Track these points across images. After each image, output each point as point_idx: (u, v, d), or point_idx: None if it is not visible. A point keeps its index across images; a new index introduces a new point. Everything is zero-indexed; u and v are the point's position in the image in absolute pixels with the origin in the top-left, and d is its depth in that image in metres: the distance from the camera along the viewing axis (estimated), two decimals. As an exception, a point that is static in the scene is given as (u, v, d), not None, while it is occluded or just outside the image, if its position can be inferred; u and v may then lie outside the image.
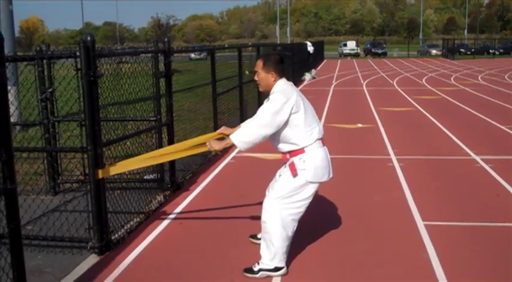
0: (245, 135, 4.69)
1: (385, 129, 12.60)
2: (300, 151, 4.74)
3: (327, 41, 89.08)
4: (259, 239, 5.38)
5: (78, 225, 5.63)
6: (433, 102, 18.30)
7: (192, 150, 5.27)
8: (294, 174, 4.72)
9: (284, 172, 4.84)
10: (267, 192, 5.30)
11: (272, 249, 4.77)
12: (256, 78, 4.94)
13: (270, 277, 4.77)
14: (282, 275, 4.79)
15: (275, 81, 4.85)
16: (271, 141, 4.86)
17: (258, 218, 5.11)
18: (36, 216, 6.07)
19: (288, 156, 4.81)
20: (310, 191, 4.79)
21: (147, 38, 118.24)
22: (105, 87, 5.75)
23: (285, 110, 4.63)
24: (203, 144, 5.01)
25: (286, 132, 4.71)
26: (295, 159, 4.74)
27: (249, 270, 4.82)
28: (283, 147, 4.81)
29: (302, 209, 4.84)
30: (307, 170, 4.72)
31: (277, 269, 4.80)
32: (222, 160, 9.51)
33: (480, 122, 13.65)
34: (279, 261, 4.80)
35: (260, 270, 4.79)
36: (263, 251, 4.83)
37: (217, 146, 4.83)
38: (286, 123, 4.68)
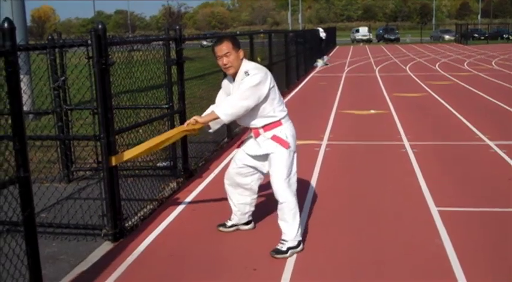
0: (228, 107, 4.84)
1: (398, 115, 12.54)
2: (278, 123, 4.95)
3: (339, 27, 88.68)
4: (230, 227, 5.56)
5: (92, 212, 5.66)
6: (447, 87, 18.18)
7: (182, 133, 5.35)
8: (287, 145, 4.92)
9: (270, 148, 4.93)
10: (227, 181, 5.39)
11: (295, 224, 4.93)
12: (225, 62, 4.94)
13: (285, 259, 4.84)
14: (302, 250, 4.96)
15: (242, 59, 5.01)
16: (246, 117, 4.95)
17: (271, 202, 5.12)
18: (50, 204, 6.11)
19: (261, 130, 4.97)
20: (295, 158, 5.04)
21: (158, 25, 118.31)
22: (117, 75, 5.76)
23: (266, 83, 4.85)
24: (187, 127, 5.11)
25: (265, 106, 4.90)
26: (276, 132, 4.93)
27: (279, 252, 4.88)
28: (260, 121, 4.96)
29: (297, 176, 5.09)
30: (290, 141, 4.95)
31: (299, 244, 4.96)
32: (234, 147, 9.49)
33: (494, 108, 13.54)
34: (300, 234, 5.01)
35: (289, 249, 4.89)
36: (286, 230, 4.94)
37: (201, 119, 5.00)
38: (265, 97, 4.85)
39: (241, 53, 4.99)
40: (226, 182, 5.41)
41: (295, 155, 5.03)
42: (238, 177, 5.28)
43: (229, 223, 5.56)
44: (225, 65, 4.95)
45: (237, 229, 5.54)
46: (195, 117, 5.01)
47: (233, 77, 5.04)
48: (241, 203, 5.40)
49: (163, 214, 6.12)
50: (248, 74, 4.85)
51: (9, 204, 3.71)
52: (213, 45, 5.03)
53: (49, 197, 5.95)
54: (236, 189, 5.36)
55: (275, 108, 4.93)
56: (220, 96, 5.30)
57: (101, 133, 5.21)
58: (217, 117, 4.90)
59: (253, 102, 4.80)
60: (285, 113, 5.01)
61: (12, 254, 3.92)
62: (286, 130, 4.95)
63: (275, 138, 4.91)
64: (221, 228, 5.57)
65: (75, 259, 4.94)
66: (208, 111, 5.20)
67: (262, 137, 4.97)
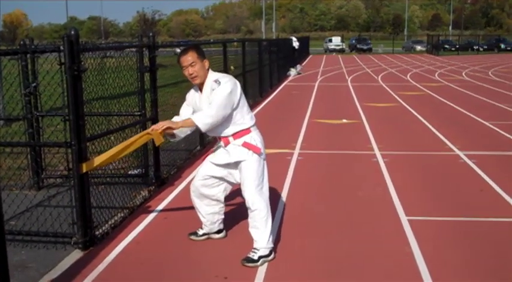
0: (207, 117, 4.81)
1: (370, 124, 12.64)
2: (247, 131, 4.99)
3: (313, 37, 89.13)
4: (201, 235, 5.55)
5: (62, 220, 5.60)
6: (417, 98, 18.39)
7: (148, 137, 5.25)
8: (259, 151, 4.95)
9: (241, 155, 4.94)
10: (193, 193, 5.37)
11: (266, 231, 4.93)
12: (191, 71, 4.94)
13: (264, 263, 4.88)
14: (273, 259, 4.96)
15: (208, 68, 5.03)
16: (217, 126, 4.94)
17: (243, 209, 5.13)
18: (20, 212, 6.03)
19: (231, 138, 4.99)
20: (265, 166, 5.06)
21: (132, 32, 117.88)
22: (89, 82, 5.72)
23: (237, 90, 4.91)
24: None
25: (235, 113, 4.93)
26: (246, 139, 4.96)
27: (249, 260, 4.88)
28: (230, 129, 4.98)
29: (268, 183, 5.10)
30: (260, 147, 4.99)
31: (270, 252, 4.97)
32: (206, 156, 9.47)
33: (464, 118, 13.73)
34: (272, 241, 5.02)
35: (260, 257, 4.89)
36: (258, 237, 4.94)
37: (175, 125, 4.94)
38: (236, 105, 4.89)
39: (206, 63, 5.00)
40: (192, 194, 5.39)
41: (265, 162, 5.06)
42: (204, 188, 5.27)
43: (200, 232, 5.54)
44: (191, 74, 4.94)
45: (209, 238, 5.53)
46: (168, 124, 4.91)
47: (200, 88, 5.04)
48: (209, 213, 5.40)
49: (134, 222, 6.08)
50: (219, 82, 4.86)
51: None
52: (178, 56, 5.02)
53: (18, 205, 5.86)
54: (203, 201, 5.35)
55: (244, 116, 4.97)
56: (184, 108, 5.27)
57: (72, 140, 5.17)
58: (192, 125, 4.88)
59: (229, 110, 4.82)
60: (253, 121, 5.05)
61: (-20, 262, 3.86)
62: (255, 137, 4.99)
63: (246, 144, 4.92)
64: (192, 237, 5.55)
65: (45, 267, 4.89)
66: (175, 119, 5.21)
67: (232, 145, 4.98)
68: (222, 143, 5.07)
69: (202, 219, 5.45)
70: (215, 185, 5.24)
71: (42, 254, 5.19)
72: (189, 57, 4.92)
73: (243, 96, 5.02)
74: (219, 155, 5.12)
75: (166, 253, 5.23)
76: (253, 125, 5.02)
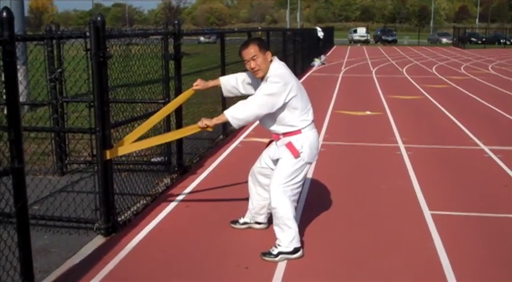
0: (239, 112, 4.71)
1: (394, 117, 12.54)
2: (297, 132, 4.83)
3: (337, 27, 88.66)
4: (242, 224, 5.51)
5: (85, 206, 5.63)
6: (443, 91, 18.20)
7: (188, 131, 5.30)
8: (296, 155, 4.79)
9: (282, 154, 4.85)
10: (250, 177, 5.36)
11: (289, 231, 4.81)
12: (253, 65, 4.81)
13: (284, 260, 4.79)
14: (299, 257, 4.83)
15: (271, 61, 4.87)
16: (266, 122, 4.92)
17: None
18: (43, 196, 6.08)
19: (281, 136, 4.88)
20: (306, 170, 4.93)
21: (156, 20, 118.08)
22: (114, 69, 5.74)
23: (282, 94, 4.69)
24: (195, 125, 5.00)
25: (284, 115, 4.79)
26: (292, 140, 4.82)
27: (268, 254, 4.82)
28: (280, 128, 4.87)
29: (301, 188, 4.97)
30: (305, 151, 4.81)
31: (295, 250, 4.83)
32: (229, 144, 9.50)
33: (489, 112, 13.56)
34: (297, 241, 4.86)
35: (280, 253, 4.80)
36: (279, 235, 4.86)
37: (210, 122, 4.81)
38: (284, 106, 4.74)
39: (268, 55, 4.83)
40: (249, 178, 5.36)
41: (307, 168, 4.90)
42: (260, 176, 5.23)
43: (241, 220, 5.51)
44: (253, 68, 4.81)
45: (249, 227, 5.49)
46: (206, 122, 4.80)
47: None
48: (258, 202, 5.35)
49: (156, 210, 6.10)
50: (266, 80, 4.75)
51: (2, 195, 3.69)
52: (240, 49, 4.90)
53: (42, 189, 5.90)
54: (256, 188, 5.31)
55: (296, 118, 4.80)
56: (240, 76, 5.23)
57: (96, 126, 5.19)
58: (226, 120, 4.75)
59: (266, 111, 4.69)
60: (307, 123, 4.86)
61: (4, 246, 3.89)
62: (304, 139, 4.81)
63: (289, 145, 4.80)
64: (233, 225, 5.54)
65: (67, 252, 4.92)
66: (226, 82, 5.30)
67: (281, 141, 4.89)
68: (273, 137, 5.02)
69: (249, 205, 5.42)
70: (270, 176, 5.10)
71: (64, 239, 5.23)
72: (251, 50, 4.78)
73: (299, 97, 4.81)
74: (271, 148, 5.08)
75: (187, 241, 5.24)
76: (306, 127, 4.84)
